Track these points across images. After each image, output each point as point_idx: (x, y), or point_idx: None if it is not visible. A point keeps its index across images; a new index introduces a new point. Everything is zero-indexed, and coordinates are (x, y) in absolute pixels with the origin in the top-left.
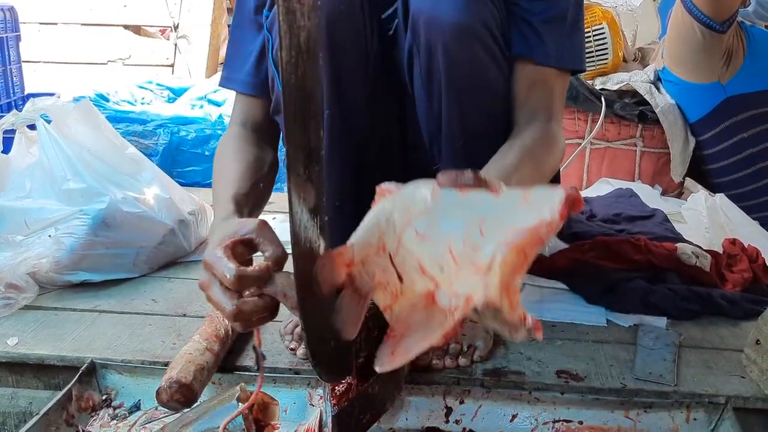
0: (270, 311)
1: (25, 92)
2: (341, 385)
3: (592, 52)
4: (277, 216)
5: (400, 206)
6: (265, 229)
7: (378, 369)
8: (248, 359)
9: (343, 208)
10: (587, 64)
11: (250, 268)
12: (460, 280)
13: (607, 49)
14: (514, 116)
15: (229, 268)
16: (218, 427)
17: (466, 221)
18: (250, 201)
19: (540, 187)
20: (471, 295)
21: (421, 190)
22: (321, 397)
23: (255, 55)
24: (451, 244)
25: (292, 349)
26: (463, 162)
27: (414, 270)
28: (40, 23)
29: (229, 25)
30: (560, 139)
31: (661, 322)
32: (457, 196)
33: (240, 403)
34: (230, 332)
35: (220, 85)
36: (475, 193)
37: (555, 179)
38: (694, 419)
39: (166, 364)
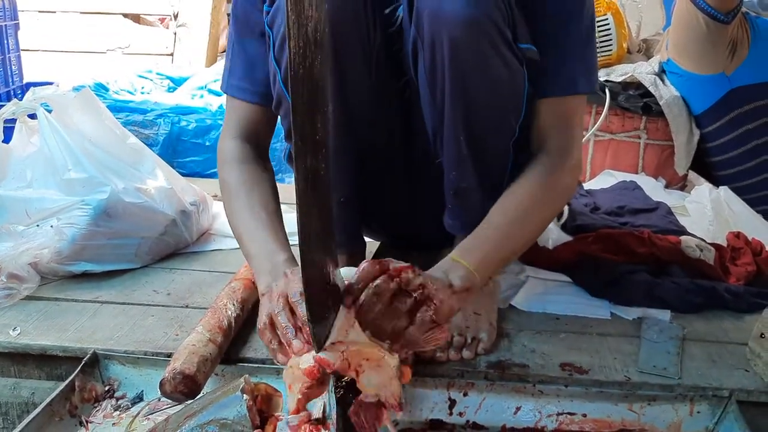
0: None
1: (24, 81)
2: (345, 378)
3: (597, 43)
4: (282, 207)
5: None
6: None
7: None
8: (251, 351)
9: (347, 204)
10: None
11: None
12: None
13: (611, 40)
14: (532, 147)
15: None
16: (222, 419)
17: None
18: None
19: None
20: None
21: None
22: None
23: (261, 62)
24: None
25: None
26: (465, 155)
27: None
28: (39, 11)
29: (228, 14)
30: (571, 174)
31: (665, 315)
32: None
33: (245, 395)
34: (233, 324)
35: (223, 90)
36: None
37: None
38: (698, 412)
39: (169, 356)
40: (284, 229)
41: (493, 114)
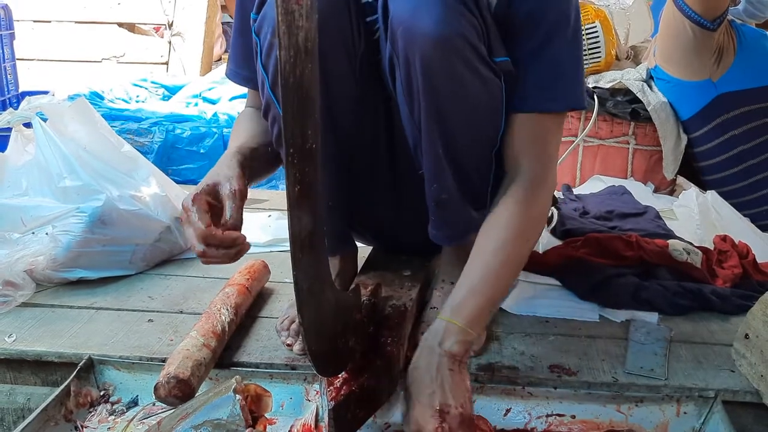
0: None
1: (20, 90)
2: (337, 380)
3: (585, 50)
4: (273, 213)
5: None
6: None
7: None
8: (245, 355)
9: (335, 209)
10: None
11: (214, 232)
12: None
13: (599, 47)
14: (506, 165)
15: (197, 226)
16: (215, 419)
17: None
18: (255, 154)
19: None
20: None
21: None
22: (317, 393)
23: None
24: None
25: (288, 345)
26: (445, 168)
27: None
28: (34, 21)
29: (223, 23)
30: (547, 201)
31: (653, 317)
32: None
33: (237, 395)
34: (227, 328)
35: (227, 76)
36: None
37: None
38: (684, 413)
39: (164, 361)
40: (261, 132)
41: (470, 128)
